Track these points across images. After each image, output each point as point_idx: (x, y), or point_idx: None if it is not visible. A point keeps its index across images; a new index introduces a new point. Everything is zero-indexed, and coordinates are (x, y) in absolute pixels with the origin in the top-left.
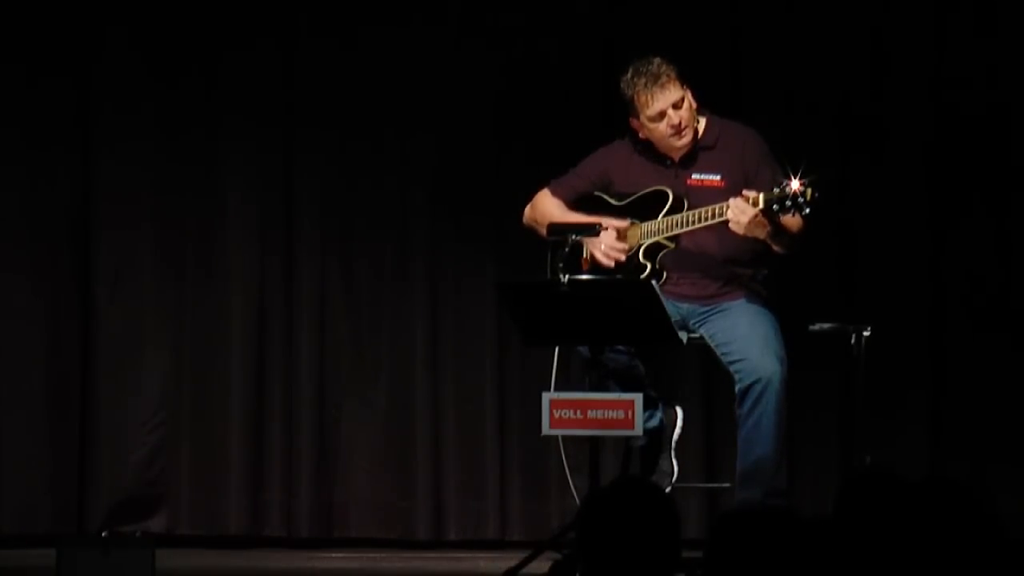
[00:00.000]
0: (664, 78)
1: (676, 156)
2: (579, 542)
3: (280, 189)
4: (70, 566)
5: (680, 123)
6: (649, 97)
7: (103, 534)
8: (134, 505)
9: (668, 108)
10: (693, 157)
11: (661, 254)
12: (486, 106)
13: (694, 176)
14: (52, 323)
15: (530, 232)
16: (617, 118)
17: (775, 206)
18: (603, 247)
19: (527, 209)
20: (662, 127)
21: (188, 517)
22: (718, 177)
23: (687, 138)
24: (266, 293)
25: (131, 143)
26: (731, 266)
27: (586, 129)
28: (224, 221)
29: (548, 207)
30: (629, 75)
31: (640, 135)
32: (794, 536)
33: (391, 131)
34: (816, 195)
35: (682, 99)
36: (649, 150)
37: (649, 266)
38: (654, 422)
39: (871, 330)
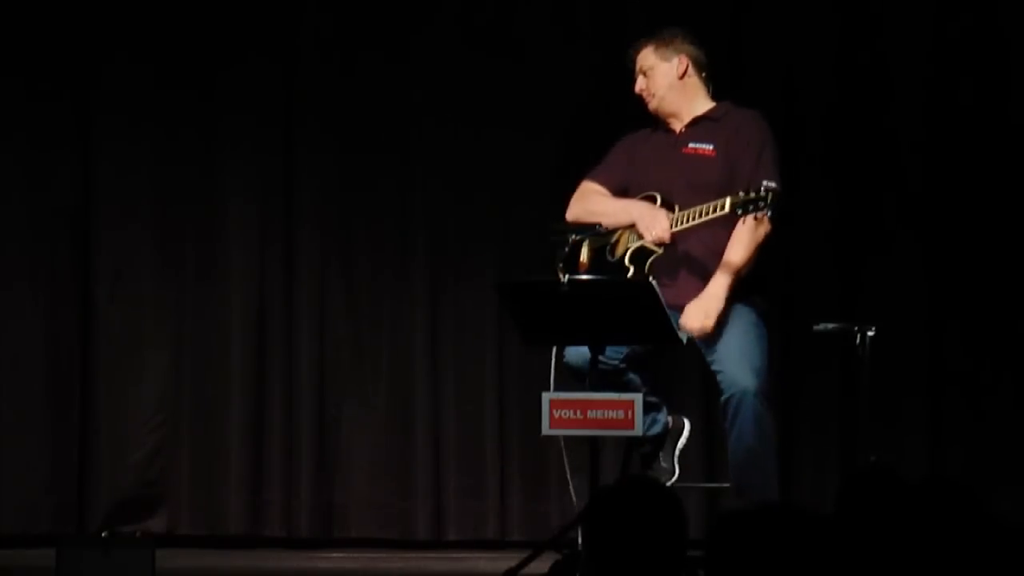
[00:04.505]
0: (641, 42)
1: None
2: (585, 541)
3: (280, 189)
4: (70, 566)
5: (640, 90)
6: (632, 55)
7: (103, 534)
8: (134, 505)
9: (638, 72)
10: (696, 128)
11: (651, 259)
12: (486, 105)
13: (690, 145)
14: (52, 323)
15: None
16: (615, 111)
17: (739, 210)
18: (656, 230)
19: (573, 204)
20: (637, 87)
21: (188, 517)
22: (711, 147)
23: (652, 106)
24: (266, 293)
25: (131, 143)
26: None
27: (586, 126)
28: (224, 221)
29: (595, 195)
30: None
31: None
32: (794, 535)
33: (391, 131)
34: (772, 195)
35: (652, 68)
36: (657, 122)
37: (632, 269)
38: (657, 428)
39: (875, 330)
